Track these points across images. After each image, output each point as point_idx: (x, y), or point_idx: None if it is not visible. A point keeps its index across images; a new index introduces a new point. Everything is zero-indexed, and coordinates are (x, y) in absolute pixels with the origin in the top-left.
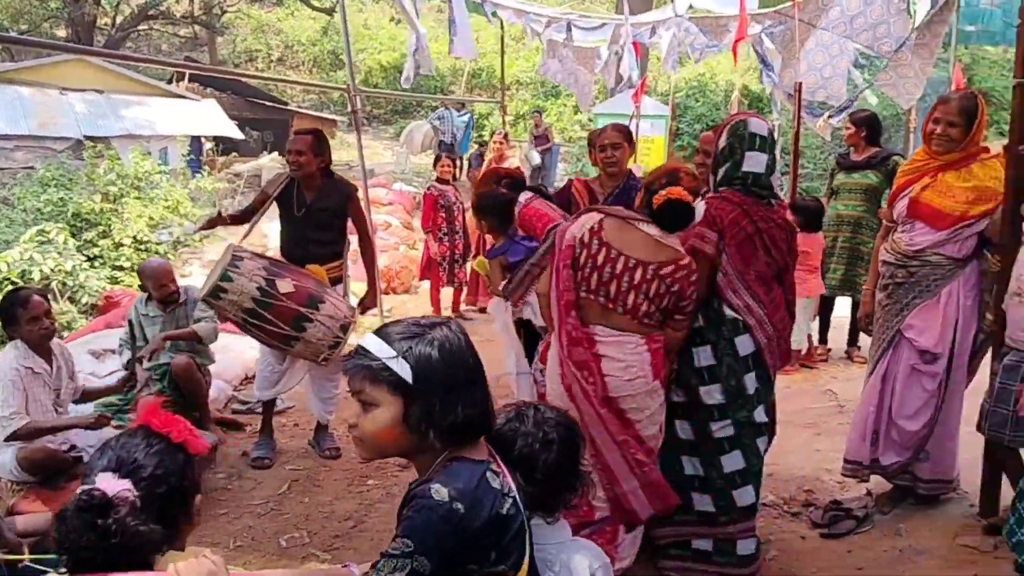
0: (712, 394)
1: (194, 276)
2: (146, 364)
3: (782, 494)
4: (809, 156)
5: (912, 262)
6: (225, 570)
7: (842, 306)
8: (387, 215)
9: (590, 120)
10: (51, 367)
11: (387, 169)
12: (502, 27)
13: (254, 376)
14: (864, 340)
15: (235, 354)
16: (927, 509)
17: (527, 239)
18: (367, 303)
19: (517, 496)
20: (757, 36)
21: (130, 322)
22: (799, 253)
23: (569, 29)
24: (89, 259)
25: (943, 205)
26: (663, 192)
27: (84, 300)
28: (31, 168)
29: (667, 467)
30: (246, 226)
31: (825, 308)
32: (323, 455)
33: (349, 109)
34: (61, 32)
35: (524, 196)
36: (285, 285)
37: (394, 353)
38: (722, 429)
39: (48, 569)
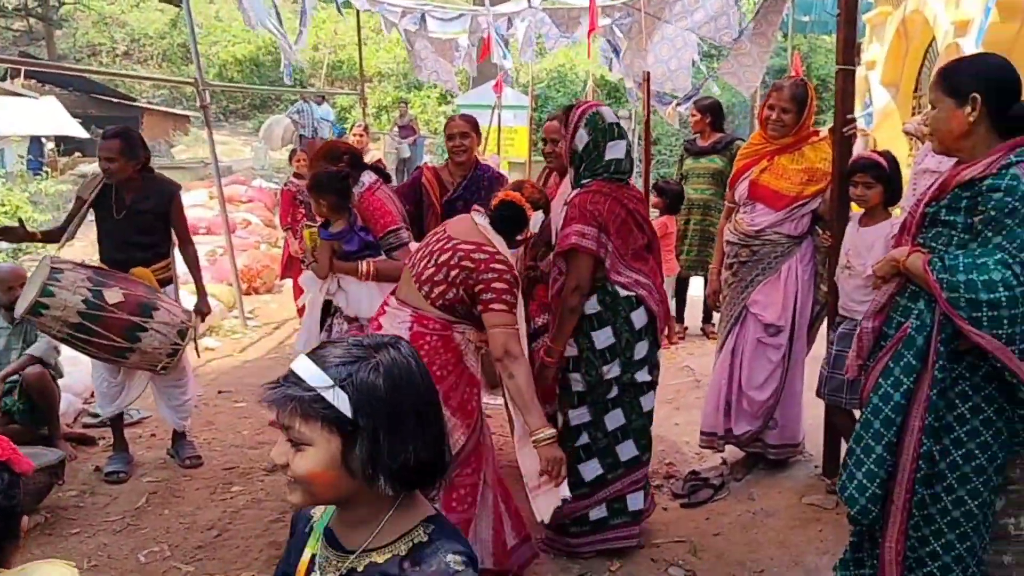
0: (612, 370)
1: None
2: None
3: None
4: (665, 143)
5: (754, 241)
6: None
7: (696, 286)
8: (246, 213)
9: (454, 111)
10: None
11: (246, 165)
12: (358, 18)
13: None
14: (718, 317)
15: (84, 366)
16: (776, 473)
17: (364, 230)
18: (202, 309)
19: None
20: (608, 27)
21: None
22: (666, 234)
23: (423, 20)
24: None
25: (780, 187)
26: (501, 194)
27: None
28: None
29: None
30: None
31: (680, 288)
32: (183, 464)
33: (200, 104)
34: None
35: (368, 177)
36: (114, 295)
37: (329, 381)
38: (610, 392)
39: None
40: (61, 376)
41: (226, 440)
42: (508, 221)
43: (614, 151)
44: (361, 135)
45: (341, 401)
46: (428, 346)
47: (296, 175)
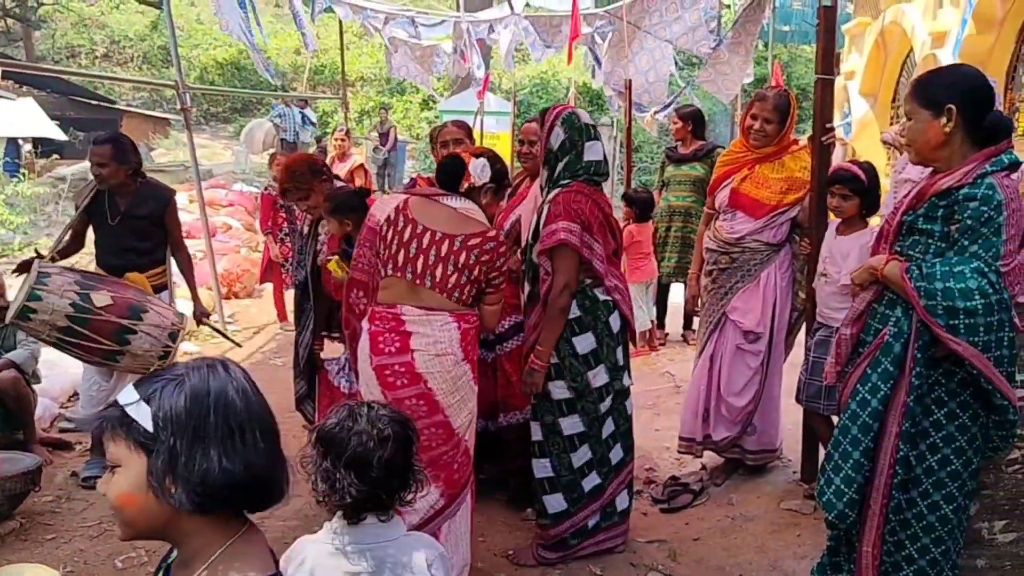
0: (599, 376)
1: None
2: None
3: None
4: (646, 150)
5: (734, 249)
6: None
7: (677, 292)
8: (227, 217)
9: (436, 117)
10: None
11: (227, 169)
12: (340, 23)
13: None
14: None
15: (61, 370)
16: (755, 478)
17: None
18: (198, 312)
19: None
20: (590, 36)
21: None
22: (633, 242)
23: (414, 24)
24: None
25: (760, 195)
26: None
27: None
28: None
29: (558, 464)
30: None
31: (661, 295)
32: None
33: (180, 107)
34: None
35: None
36: (102, 298)
37: (136, 397)
38: (603, 401)
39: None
40: (39, 382)
41: None
42: (447, 174)
43: (592, 152)
44: (343, 139)
45: (142, 414)
46: (471, 336)
47: (276, 179)
